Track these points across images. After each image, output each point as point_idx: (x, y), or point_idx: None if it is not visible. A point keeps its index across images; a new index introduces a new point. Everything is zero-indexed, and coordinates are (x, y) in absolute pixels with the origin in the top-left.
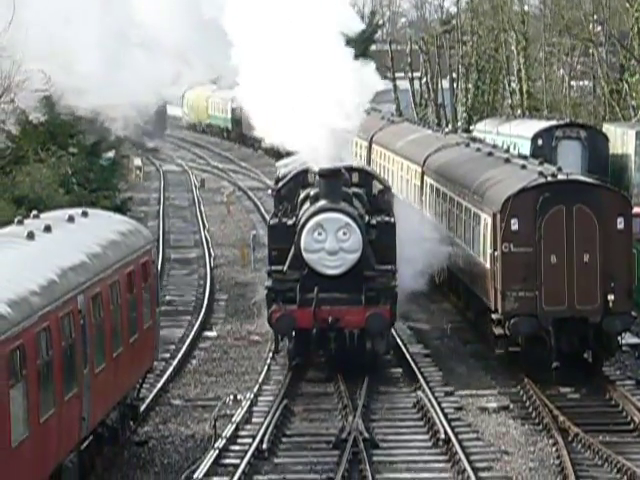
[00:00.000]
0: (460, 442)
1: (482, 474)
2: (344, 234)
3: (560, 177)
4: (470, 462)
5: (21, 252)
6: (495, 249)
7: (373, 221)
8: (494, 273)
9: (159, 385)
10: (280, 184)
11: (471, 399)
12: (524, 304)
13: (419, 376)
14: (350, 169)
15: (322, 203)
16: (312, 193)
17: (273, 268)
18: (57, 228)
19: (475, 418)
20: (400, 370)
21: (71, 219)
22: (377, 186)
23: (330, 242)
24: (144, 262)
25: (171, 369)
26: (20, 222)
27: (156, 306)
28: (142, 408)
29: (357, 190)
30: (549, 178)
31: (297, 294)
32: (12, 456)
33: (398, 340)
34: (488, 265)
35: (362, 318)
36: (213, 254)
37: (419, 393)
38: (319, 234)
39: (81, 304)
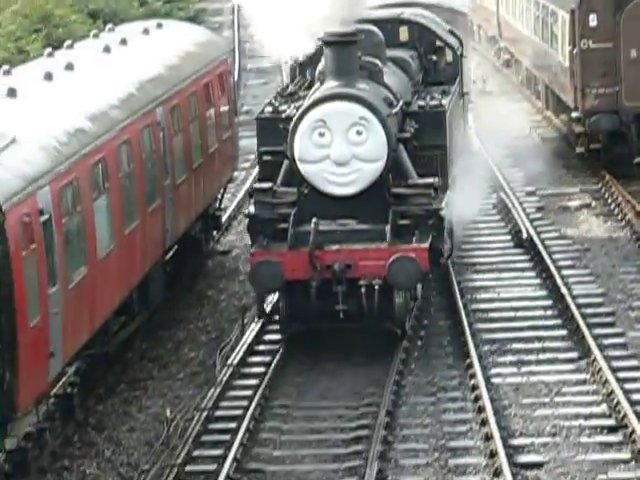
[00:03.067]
0: (542, 241)
1: (565, 272)
2: (358, 134)
3: None
4: (553, 261)
5: (99, 66)
6: (574, 46)
7: (414, 106)
8: (573, 71)
9: (240, 195)
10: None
11: (553, 198)
12: (604, 101)
13: (499, 177)
14: (394, 21)
15: (327, 86)
16: (320, 68)
17: (258, 186)
18: (133, 41)
19: (557, 217)
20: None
21: (146, 31)
22: (439, 45)
23: (337, 147)
24: (221, 72)
25: (251, 179)
26: (96, 36)
27: (234, 116)
28: (224, 218)
29: (402, 55)
30: None
31: (290, 227)
32: (99, 267)
33: (476, 140)
34: (567, 63)
35: (384, 264)
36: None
37: (500, 194)
38: (321, 135)
39: (160, 116)
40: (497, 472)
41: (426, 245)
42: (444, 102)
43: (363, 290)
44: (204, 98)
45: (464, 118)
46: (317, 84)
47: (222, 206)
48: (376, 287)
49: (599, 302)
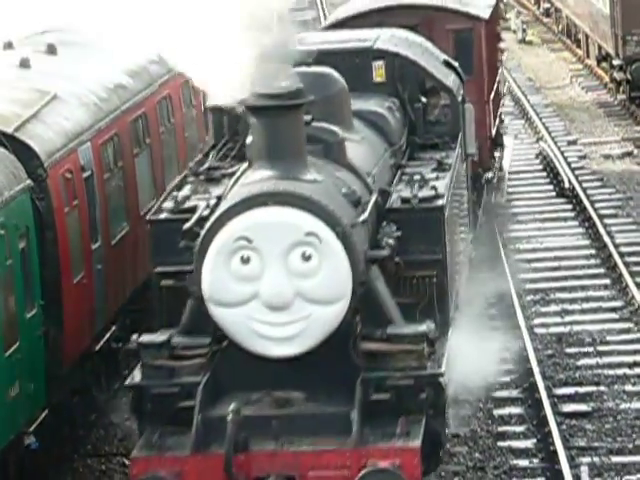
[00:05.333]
0: (584, 190)
1: (608, 221)
2: (305, 259)
3: None
4: (595, 210)
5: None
6: None
7: (395, 200)
8: (614, 18)
9: None
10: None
11: (594, 147)
12: None
13: (541, 127)
14: (365, 53)
15: (254, 177)
16: (250, 141)
17: (147, 339)
18: None
19: (599, 166)
20: (522, 122)
21: None
22: (430, 86)
23: (272, 280)
24: None
25: None
26: None
27: None
28: None
29: (375, 107)
30: None
31: (196, 411)
32: (141, 223)
33: (517, 91)
34: (608, 10)
35: (349, 475)
36: (328, 14)
37: (541, 144)
38: (244, 261)
39: None
40: (542, 422)
41: (417, 444)
42: (440, 188)
43: None
44: None
45: (473, 192)
46: (245, 165)
47: None
48: None
49: None
